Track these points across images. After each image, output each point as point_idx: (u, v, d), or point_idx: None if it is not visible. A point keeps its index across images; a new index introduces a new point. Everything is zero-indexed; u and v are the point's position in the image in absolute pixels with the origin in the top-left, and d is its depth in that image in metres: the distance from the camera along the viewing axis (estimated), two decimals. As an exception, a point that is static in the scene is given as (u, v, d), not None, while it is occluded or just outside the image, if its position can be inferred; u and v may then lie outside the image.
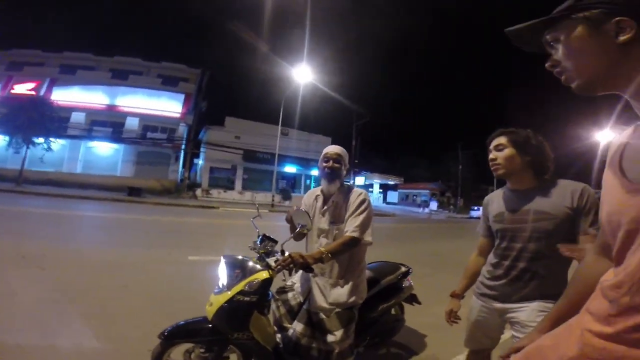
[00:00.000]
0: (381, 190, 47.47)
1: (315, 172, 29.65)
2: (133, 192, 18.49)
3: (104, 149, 24.22)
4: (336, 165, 1.89)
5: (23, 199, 12.66)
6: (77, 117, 23.30)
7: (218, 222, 11.44)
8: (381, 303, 2.23)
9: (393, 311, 2.55)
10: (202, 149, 26.25)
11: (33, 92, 22.28)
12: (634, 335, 0.54)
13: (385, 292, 2.30)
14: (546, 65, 0.69)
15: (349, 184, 1.98)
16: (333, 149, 1.96)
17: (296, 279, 2.04)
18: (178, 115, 25.14)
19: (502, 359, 0.90)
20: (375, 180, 42.30)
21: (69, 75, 24.32)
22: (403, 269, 2.52)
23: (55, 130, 19.41)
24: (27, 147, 18.20)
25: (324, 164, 1.92)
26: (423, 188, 44.50)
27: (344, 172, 1.94)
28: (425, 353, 2.67)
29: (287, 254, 1.61)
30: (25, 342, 2.21)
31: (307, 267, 1.58)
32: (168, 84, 26.13)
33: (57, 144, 20.02)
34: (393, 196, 48.03)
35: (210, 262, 3.09)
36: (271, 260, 1.68)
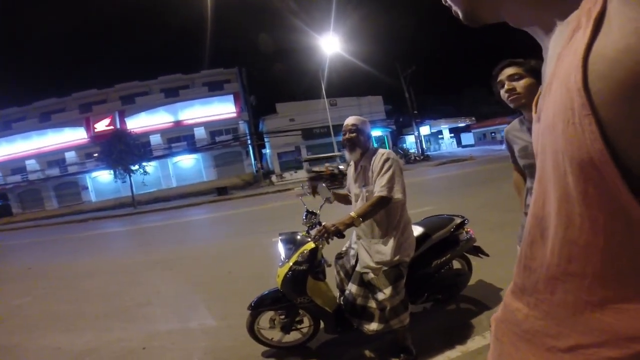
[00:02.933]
0: (452, 135, 44.17)
1: (374, 133, 29.22)
2: (221, 192, 21.07)
3: (186, 161, 27.58)
4: (352, 135, 1.99)
5: (141, 217, 15.58)
6: (155, 140, 26.83)
7: (294, 202, 12.49)
8: (435, 258, 2.23)
9: (456, 265, 2.52)
10: (265, 139, 28.02)
11: (111, 127, 25.65)
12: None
13: (439, 247, 2.27)
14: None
15: (375, 147, 2.05)
16: (348, 120, 2.06)
17: (350, 243, 2.23)
18: (234, 115, 27.00)
19: None
20: (442, 126, 39.40)
21: (131, 104, 27.40)
22: (457, 220, 2.42)
23: (143, 155, 22.51)
24: (130, 175, 21.65)
25: (342, 136, 2.05)
26: (500, 123, 39.93)
27: (364, 139, 2.02)
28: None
29: (323, 224, 1.85)
30: (170, 327, 3.03)
31: (339, 233, 1.78)
32: (214, 89, 28.00)
33: (150, 166, 23.42)
34: (468, 138, 44.14)
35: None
36: (314, 232, 1.95)
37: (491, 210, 5.48)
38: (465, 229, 2.47)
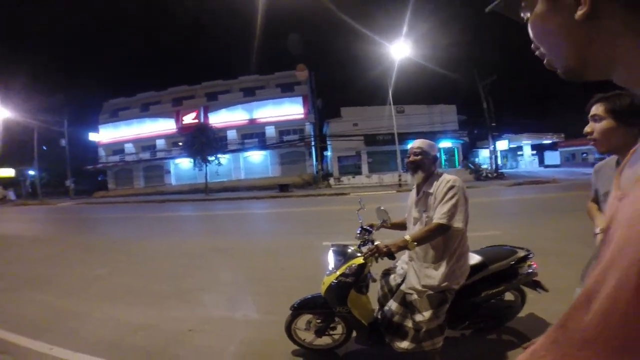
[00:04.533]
0: (534, 152, 39.56)
1: (444, 144, 27.66)
2: (283, 189, 22.12)
3: (255, 157, 29.53)
4: (417, 157, 1.99)
5: (211, 205, 17.06)
6: (232, 135, 29.21)
7: (348, 208, 12.49)
8: (486, 289, 2.16)
9: (508, 296, 2.41)
10: (328, 142, 28.57)
11: (196, 120, 28.62)
12: None
13: (494, 278, 2.18)
14: (532, 46, 0.54)
15: (440, 172, 2.02)
16: (414, 143, 2.06)
17: (400, 262, 2.23)
18: (302, 116, 28.04)
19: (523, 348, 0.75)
20: (523, 142, 35.39)
21: (214, 101, 30.26)
22: (520, 253, 2.30)
23: (221, 148, 24.82)
24: (206, 165, 23.98)
25: (407, 158, 2.05)
26: (595, 143, 34.25)
27: (428, 162, 2.00)
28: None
29: (376, 243, 1.88)
30: (218, 314, 3.28)
31: (390, 255, 1.81)
32: (286, 90, 29.48)
33: (224, 158, 25.63)
34: (553, 157, 38.85)
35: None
36: (365, 248, 2.01)
37: (569, 243, 4.93)
38: (529, 262, 2.31)
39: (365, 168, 26.83)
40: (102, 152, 32.92)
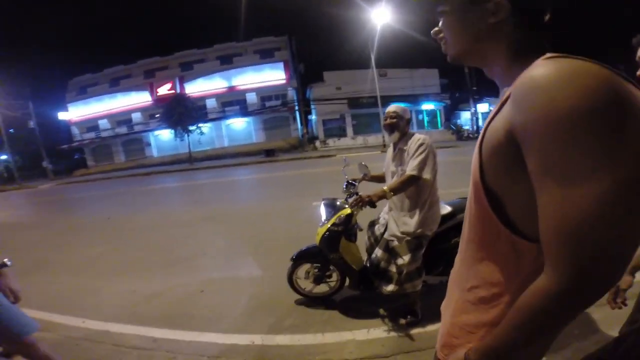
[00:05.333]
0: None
1: (426, 106, 27.91)
2: (269, 154, 22.27)
3: (238, 124, 29.04)
4: (393, 120, 2.22)
5: (196, 174, 17.04)
6: (211, 103, 28.44)
7: (334, 169, 12.79)
8: (455, 236, 2.38)
9: None
10: (312, 106, 28.27)
11: (172, 91, 27.70)
12: None
13: (461, 226, 2.51)
14: (431, 32, 0.71)
15: (412, 132, 2.25)
16: (390, 107, 2.30)
17: (382, 213, 2.50)
18: (284, 82, 27.41)
19: None
20: (504, 105, 36.34)
21: (189, 70, 29.14)
22: None
23: (200, 117, 24.32)
24: (188, 135, 23.55)
25: (384, 121, 2.30)
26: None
27: (402, 124, 2.23)
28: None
29: (359, 194, 2.16)
30: (223, 275, 3.55)
31: (372, 203, 2.06)
32: (266, 56, 28.54)
33: (205, 127, 25.14)
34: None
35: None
36: (352, 200, 2.23)
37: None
38: None
39: (350, 130, 27.02)
40: (75, 130, 31.54)
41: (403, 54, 26.83)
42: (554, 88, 0.46)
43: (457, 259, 0.76)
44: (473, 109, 26.27)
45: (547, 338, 0.63)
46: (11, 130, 28.59)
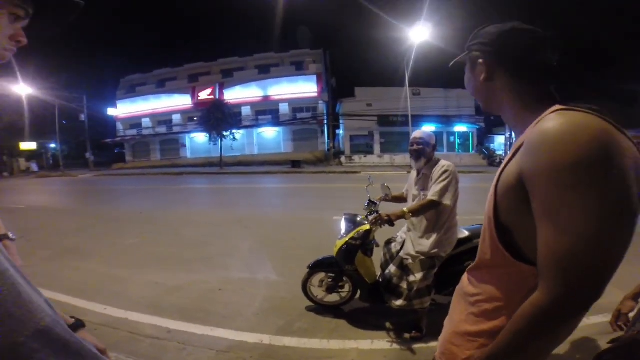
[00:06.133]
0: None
1: (459, 128, 27.31)
2: (295, 165, 22.65)
3: (269, 133, 29.87)
4: (419, 147, 2.31)
5: (226, 178, 17.67)
6: (246, 111, 29.47)
7: (357, 186, 12.78)
8: (470, 259, 2.34)
9: None
10: (340, 121, 28.55)
11: (212, 96, 28.97)
12: None
13: (476, 251, 2.51)
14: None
15: (438, 158, 2.33)
16: (416, 133, 2.39)
17: (400, 232, 2.59)
18: (315, 95, 27.99)
19: None
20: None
21: (229, 78, 30.46)
22: None
23: (235, 123, 25.17)
24: (221, 140, 24.49)
25: (410, 147, 2.37)
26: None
27: (429, 150, 2.31)
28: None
29: (379, 212, 2.25)
30: (241, 276, 3.73)
31: (390, 222, 2.15)
32: (300, 68, 29.45)
33: (238, 134, 26.04)
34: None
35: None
36: (371, 217, 2.34)
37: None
38: None
39: (377, 148, 26.89)
40: (120, 126, 33.75)
41: (438, 73, 26.52)
42: (556, 144, 0.58)
43: (464, 277, 0.88)
44: (508, 134, 25.27)
45: (540, 346, 0.72)
46: (64, 122, 31.16)
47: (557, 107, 0.65)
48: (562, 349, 2.12)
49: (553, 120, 0.61)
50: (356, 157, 26.06)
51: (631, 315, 1.31)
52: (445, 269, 2.35)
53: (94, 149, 31.58)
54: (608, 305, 1.37)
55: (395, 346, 2.29)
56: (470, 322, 0.78)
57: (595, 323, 2.37)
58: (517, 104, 0.74)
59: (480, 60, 0.76)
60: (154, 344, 2.38)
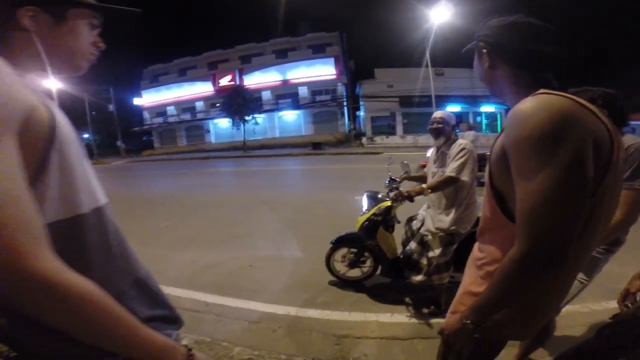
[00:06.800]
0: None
1: (485, 108, 26.30)
2: (316, 146, 22.78)
3: (289, 116, 30.09)
4: (439, 125, 2.34)
5: (250, 160, 18.15)
6: (266, 95, 29.69)
7: (379, 166, 12.73)
8: None
9: None
10: (360, 102, 28.17)
11: (232, 83, 29.33)
12: None
13: None
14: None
15: (456, 136, 2.38)
16: (436, 113, 2.42)
17: (421, 210, 2.65)
18: (334, 77, 27.73)
19: None
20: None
21: (248, 64, 30.60)
22: None
23: (256, 108, 25.48)
24: (244, 124, 24.91)
25: (430, 126, 2.40)
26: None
27: (448, 129, 2.35)
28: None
29: (400, 189, 2.36)
30: (269, 254, 3.94)
31: (410, 198, 2.25)
32: (318, 52, 29.07)
33: (260, 118, 26.38)
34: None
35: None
36: (392, 194, 2.43)
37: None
38: None
39: (399, 129, 26.40)
40: (146, 114, 34.98)
41: (463, 54, 25.34)
42: (522, 120, 0.70)
43: (475, 245, 0.99)
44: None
45: (523, 301, 0.80)
46: (93, 113, 32.69)
47: (541, 91, 0.74)
48: (578, 330, 2.16)
49: (525, 102, 0.71)
50: (378, 138, 25.69)
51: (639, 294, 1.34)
52: (465, 246, 2.37)
53: (124, 137, 33.01)
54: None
55: (414, 320, 2.40)
56: (477, 284, 0.89)
57: (614, 307, 2.36)
58: (513, 89, 0.84)
59: (484, 51, 0.86)
60: (193, 317, 2.60)
